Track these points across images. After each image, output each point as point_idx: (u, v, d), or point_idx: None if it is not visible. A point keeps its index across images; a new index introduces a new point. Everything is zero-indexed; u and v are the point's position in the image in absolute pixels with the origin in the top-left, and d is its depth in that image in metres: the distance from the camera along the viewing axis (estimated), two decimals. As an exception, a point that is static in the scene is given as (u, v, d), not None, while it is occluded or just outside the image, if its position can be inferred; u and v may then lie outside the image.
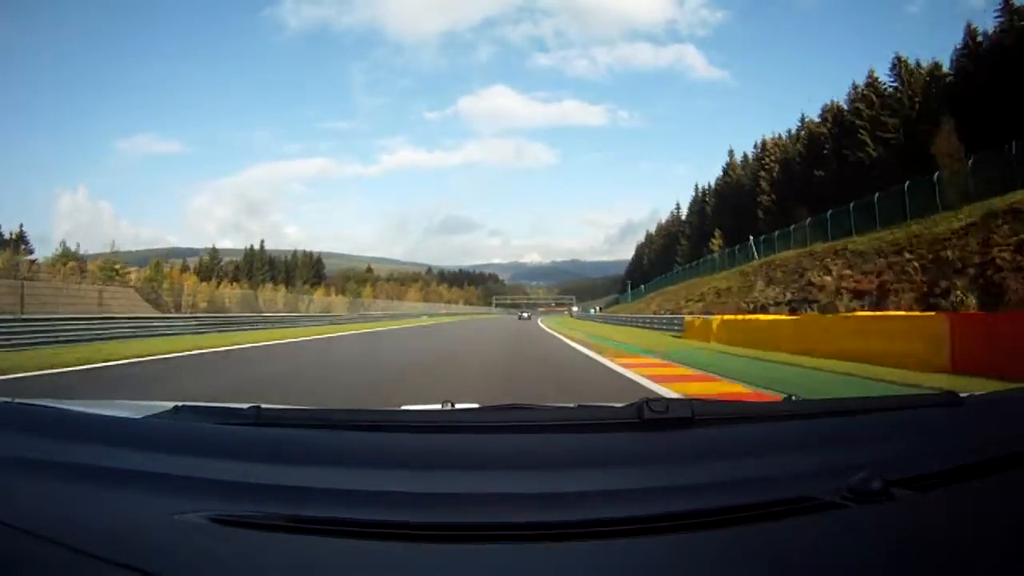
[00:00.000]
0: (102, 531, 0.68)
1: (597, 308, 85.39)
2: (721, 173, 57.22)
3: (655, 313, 36.97)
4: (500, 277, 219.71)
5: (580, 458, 0.88)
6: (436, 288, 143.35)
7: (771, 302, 26.47)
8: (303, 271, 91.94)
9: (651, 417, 0.92)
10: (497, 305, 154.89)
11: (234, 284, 61.52)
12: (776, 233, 34.69)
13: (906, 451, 0.91)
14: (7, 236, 44.49)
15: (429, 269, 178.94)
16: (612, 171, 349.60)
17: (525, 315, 75.61)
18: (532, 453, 0.91)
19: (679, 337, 18.59)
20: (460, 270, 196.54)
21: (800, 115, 44.24)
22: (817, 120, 41.44)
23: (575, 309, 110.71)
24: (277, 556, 0.64)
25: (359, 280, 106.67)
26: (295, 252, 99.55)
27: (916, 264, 18.98)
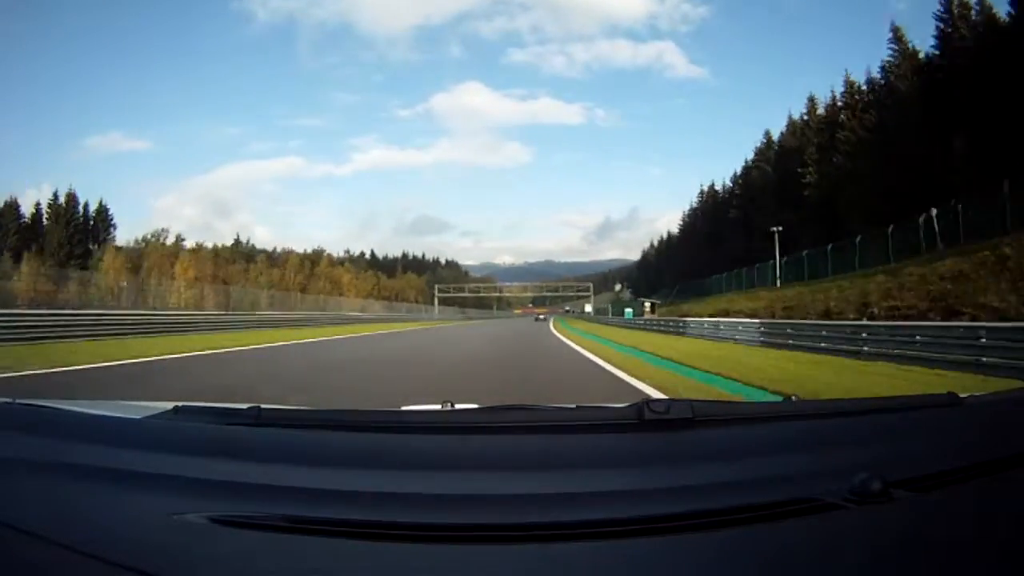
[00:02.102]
0: (102, 531, 0.68)
1: (647, 305, 47.04)
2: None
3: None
4: (463, 267, 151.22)
5: (580, 459, 0.88)
6: (332, 271, 77.71)
7: None
8: (56, 235, 49.87)
9: (651, 418, 0.92)
10: (443, 302, 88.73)
11: None
12: None
13: (906, 452, 0.91)
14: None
15: (361, 253, 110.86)
16: (588, 171, 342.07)
17: (542, 316, 64.37)
18: (532, 454, 0.91)
19: None
20: (403, 254, 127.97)
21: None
22: None
23: (588, 308, 76.33)
24: (277, 557, 0.64)
25: (166, 254, 55.35)
26: (54, 199, 51.82)
27: None
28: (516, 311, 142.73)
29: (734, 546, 0.66)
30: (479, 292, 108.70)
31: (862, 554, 0.63)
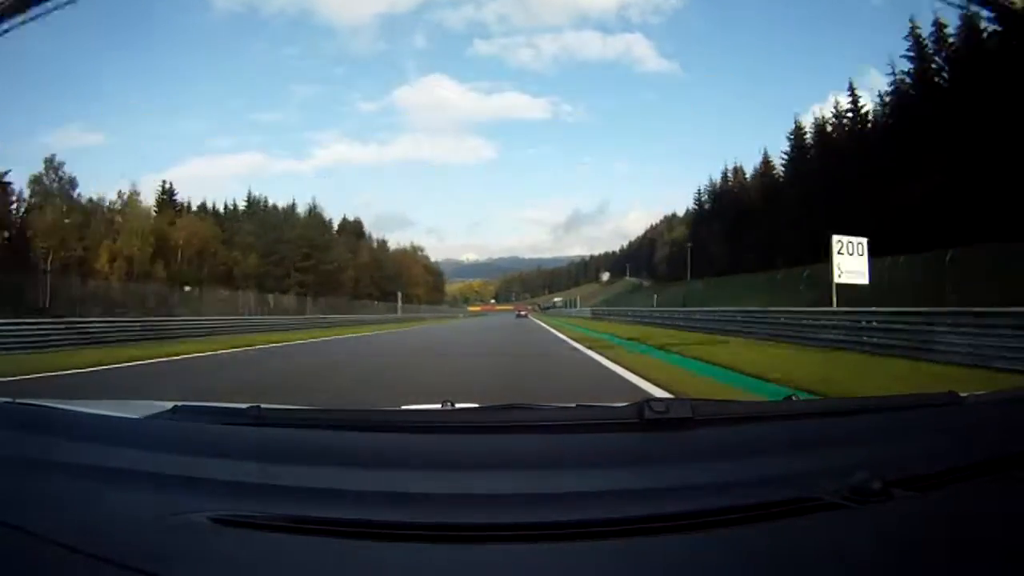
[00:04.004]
0: (103, 531, 0.68)
1: None
2: None
3: None
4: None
5: (580, 458, 0.88)
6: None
7: None
8: None
9: (651, 417, 0.92)
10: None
11: None
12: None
13: (906, 451, 0.91)
14: None
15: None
16: (553, 167, 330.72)
17: (523, 313, 50.20)
18: (532, 453, 0.91)
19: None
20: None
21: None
22: None
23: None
24: (277, 556, 0.64)
25: None
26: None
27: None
28: (472, 308, 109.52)
29: (734, 546, 0.66)
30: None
31: (862, 554, 0.63)
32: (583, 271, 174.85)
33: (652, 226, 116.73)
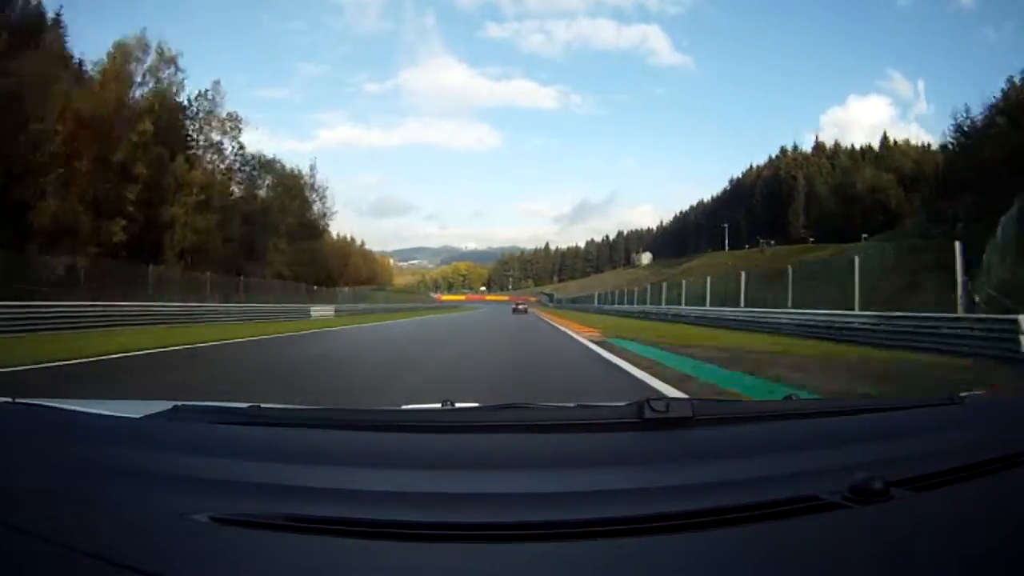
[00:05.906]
0: (102, 531, 0.68)
1: None
2: None
3: None
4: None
5: (580, 457, 0.88)
6: None
7: None
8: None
9: (651, 416, 0.92)
10: None
11: None
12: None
13: (906, 451, 0.91)
14: None
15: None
16: (558, 158, 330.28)
17: (521, 307, 42.10)
18: (532, 452, 0.91)
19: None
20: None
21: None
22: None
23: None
24: (278, 556, 0.64)
25: None
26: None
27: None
28: (446, 297, 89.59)
29: (734, 545, 0.66)
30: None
31: (862, 553, 0.63)
32: (606, 254, 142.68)
33: (754, 167, 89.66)
